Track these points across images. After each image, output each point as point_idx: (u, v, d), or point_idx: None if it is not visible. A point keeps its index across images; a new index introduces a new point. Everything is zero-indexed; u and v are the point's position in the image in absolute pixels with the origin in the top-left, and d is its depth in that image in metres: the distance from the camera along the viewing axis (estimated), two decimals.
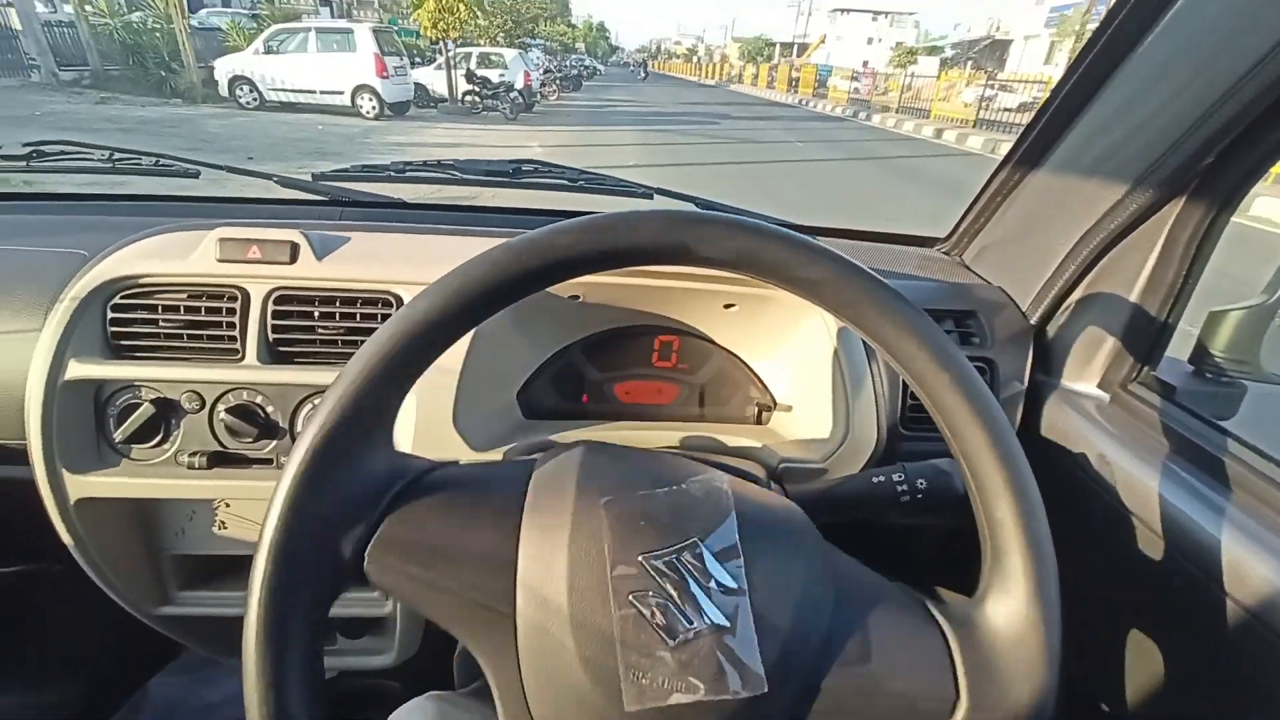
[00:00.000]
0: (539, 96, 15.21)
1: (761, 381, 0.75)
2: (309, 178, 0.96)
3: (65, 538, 0.68)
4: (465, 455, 0.63)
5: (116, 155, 0.93)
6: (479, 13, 16.84)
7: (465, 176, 0.96)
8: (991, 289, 0.80)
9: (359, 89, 11.28)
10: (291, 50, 11.49)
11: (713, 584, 0.34)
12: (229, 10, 22.06)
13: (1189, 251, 0.63)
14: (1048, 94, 0.72)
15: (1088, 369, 0.70)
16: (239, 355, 0.65)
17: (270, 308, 0.65)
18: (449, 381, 0.63)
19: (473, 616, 0.35)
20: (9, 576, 0.93)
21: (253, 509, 0.73)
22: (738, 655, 0.33)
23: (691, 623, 0.33)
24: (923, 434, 0.70)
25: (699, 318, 0.73)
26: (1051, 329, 0.75)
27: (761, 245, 0.35)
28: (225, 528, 0.74)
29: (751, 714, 0.33)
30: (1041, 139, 0.74)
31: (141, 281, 0.64)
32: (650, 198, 0.98)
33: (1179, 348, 0.68)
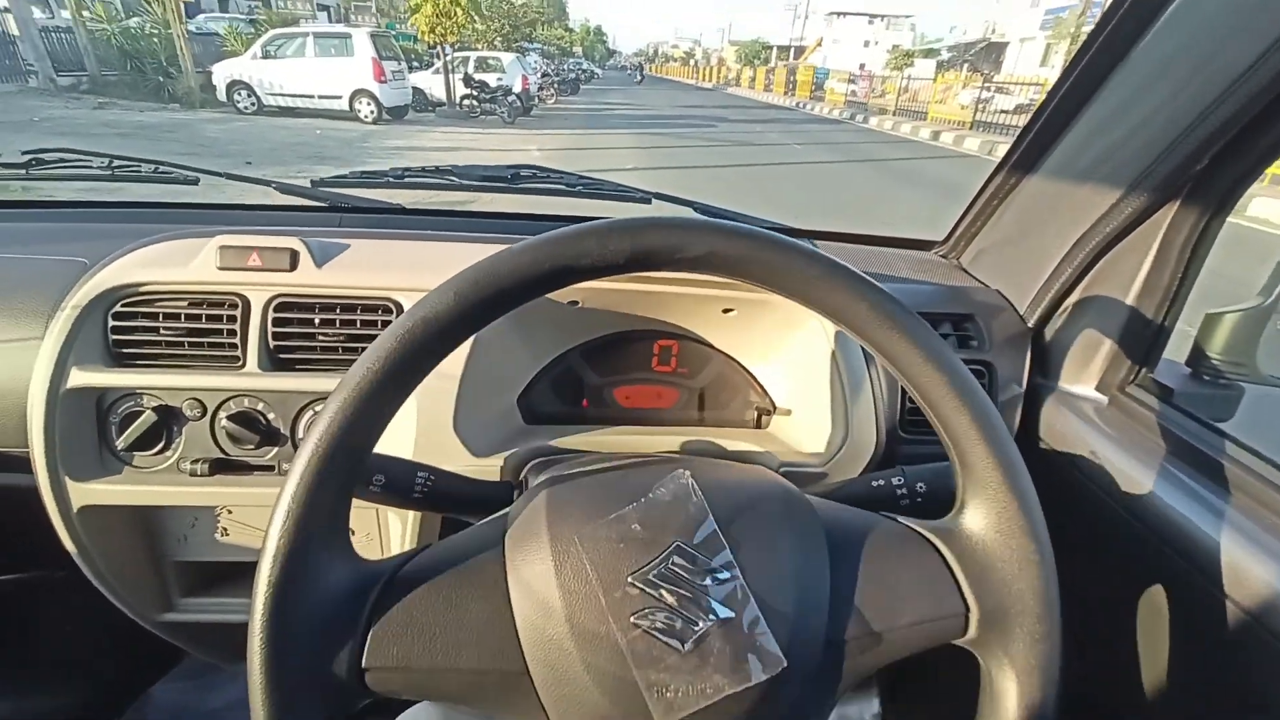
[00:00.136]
0: (536, 100, 15.24)
1: (760, 385, 0.75)
2: (308, 184, 0.97)
3: (69, 545, 0.68)
4: (466, 461, 0.63)
5: (116, 163, 0.93)
6: (476, 17, 16.88)
7: (463, 182, 0.97)
8: (989, 292, 0.81)
9: (357, 93, 11.30)
10: (289, 55, 11.52)
11: (707, 580, 0.35)
12: (226, 15, 22.08)
13: (1184, 254, 0.63)
14: (1043, 96, 0.73)
15: (1085, 372, 0.70)
16: (240, 362, 0.65)
17: (271, 315, 0.65)
18: (449, 387, 0.63)
19: (488, 686, 0.35)
20: (11, 584, 0.93)
21: (254, 516, 0.73)
22: (750, 640, 0.34)
23: (697, 624, 0.33)
24: (922, 437, 0.70)
25: (698, 322, 0.73)
26: (1049, 332, 0.75)
27: (740, 247, 0.35)
28: (227, 535, 0.74)
29: (780, 690, 0.34)
30: (1037, 143, 0.75)
31: (142, 289, 0.64)
32: (648, 202, 0.98)
33: (1177, 350, 0.68)
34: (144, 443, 0.65)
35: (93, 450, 0.66)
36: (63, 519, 0.67)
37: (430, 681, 0.35)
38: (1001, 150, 0.81)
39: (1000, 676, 0.37)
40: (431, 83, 14.12)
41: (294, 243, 0.64)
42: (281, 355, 0.66)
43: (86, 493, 0.65)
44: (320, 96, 11.41)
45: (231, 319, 0.65)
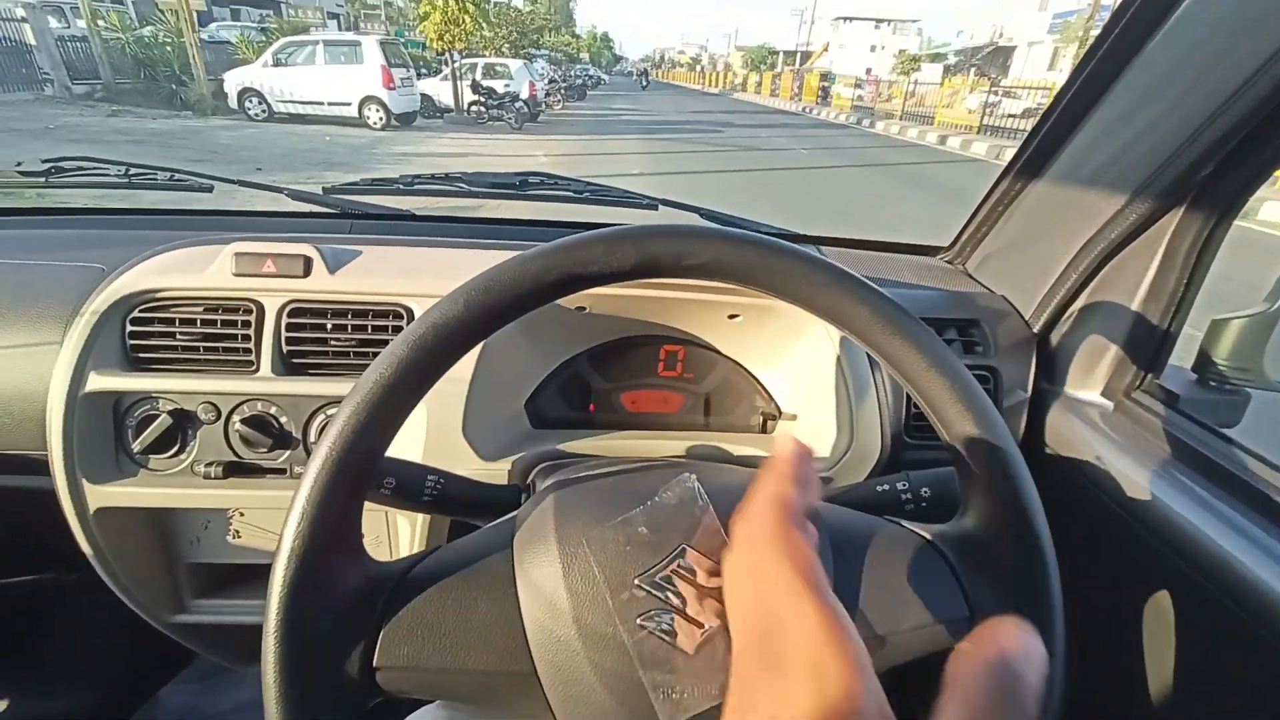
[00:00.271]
0: (544, 106, 15.33)
1: (766, 391, 0.75)
2: (319, 191, 0.98)
3: (85, 547, 0.70)
4: (474, 465, 0.64)
5: (133, 170, 0.95)
6: (484, 24, 17.01)
7: (472, 189, 0.98)
8: (994, 297, 0.81)
9: (366, 100, 11.41)
10: (300, 63, 11.65)
11: (712, 582, 0.35)
12: (238, 24, 22.36)
13: (1189, 260, 0.63)
14: (1051, 100, 0.73)
15: (1091, 377, 0.70)
16: (254, 367, 0.66)
17: (284, 320, 0.66)
18: (458, 391, 0.64)
19: (496, 686, 0.36)
20: (26, 585, 0.95)
21: (266, 518, 0.74)
22: None
23: (702, 626, 0.34)
24: (927, 442, 0.70)
25: (703, 328, 0.73)
26: (1055, 337, 0.75)
27: (745, 255, 0.36)
28: (239, 537, 0.75)
29: None
30: (1043, 148, 0.75)
31: (159, 295, 0.66)
32: (655, 209, 0.99)
33: (1182, 356, 0.68)
34: (159, 446, 0.66)
35: (109, 453, 0.68)
36: (79, 521, 0.68)
37: (440, 681, 0.35)
38: (1009, 154, 0.82)
39: None
40: (440, 89, 14.25)
41: (307, 249, 0.66)
42: (294, 360, 0.67)
43: (103, 495, 0.67)
44: (330, 103, 11.53)
45: (246, 324, 0.66)
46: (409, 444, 0.64)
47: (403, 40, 15.94)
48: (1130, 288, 0.67)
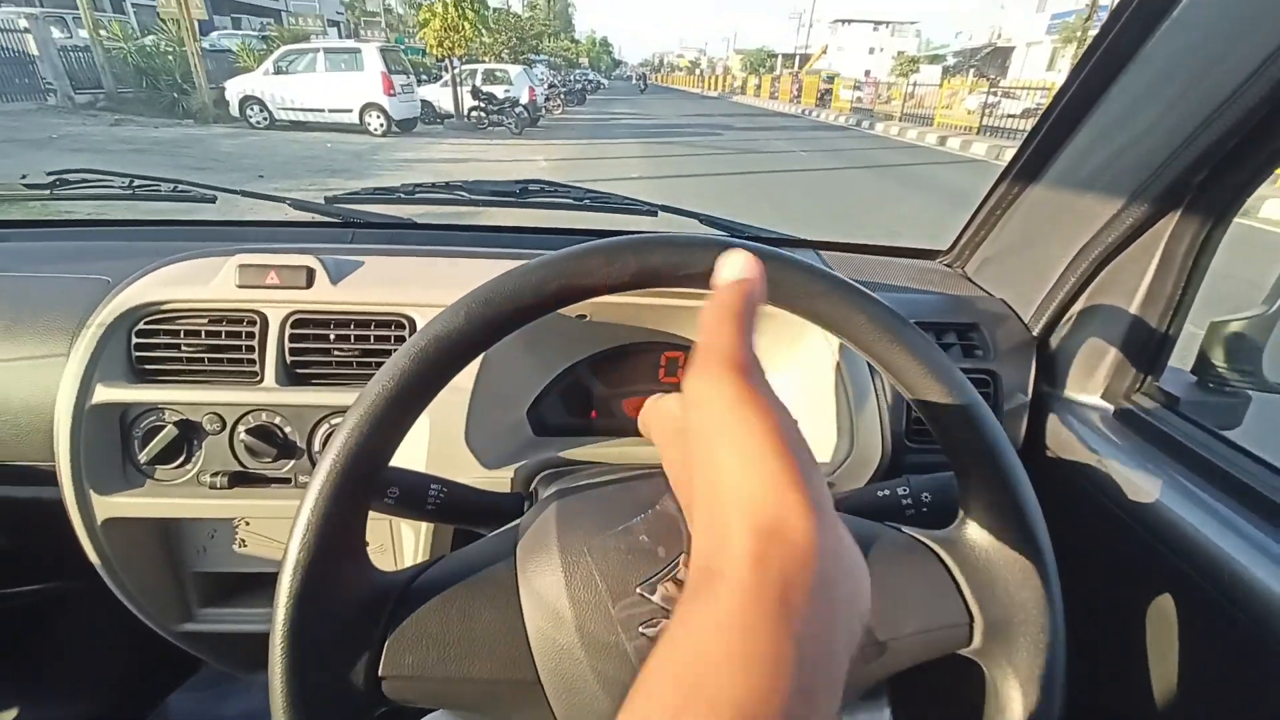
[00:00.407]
0: (544, 111, 15.39)
1: None
2: (321, 200, 0.99)
3: (92, 557, 0.70)
4: (476, 473, 0.65)
5: (136, 182, 0.96)
6: (484, 30, 17.07)
7: (473, 197, 0.99)
8: (993, 301, 0.81)
9: (367, 107, 11.46)
10: (301, 70, 11.72)
11: None
12: (239, 32, 22.52)
13: (1187, 263, 0.63)
14: (1049, 102, 0.73)
15: (1091, 381, 0.71)
16: (258, 378, 0.67)
17: (288, 331, 0.66)
18: (461, 400, 0.64)
19: (500, 695, 0.36)
20: (33, 594, 0.95)
21: (271, 527, 0.75)
22: None
23: None
24: (928, 446, 0.70)
25: None
26: (1054, 341, 0.76)
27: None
28: (245, 546, 0.76)
29: None
30: (1040, 151, 0.75)
31: (164, 307, 0.66)
32: (654, 214, 0.99)
33: (1184, 357, 0.69)
34: (165, 456, 0.67)
35: (116, 464, 0.68)
36: (87, 531, 0.68)
37: (445, 690, 0.36)
38: (1008, 154, 0.82)
39: (1005, 686, 0.37)
40: (440, 95, 14.31)
41: (310, 261, 0.66)
42: (298, 370, 0.68)
43: (110, 505, 0.67)
44: (331, 110, 11.58)
45: (250, 335, 0.66)
46: (412, 453, 0.65)
47: (403, 47, 16.00)
48: (1129, 291, 0.67)
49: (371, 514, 0.38)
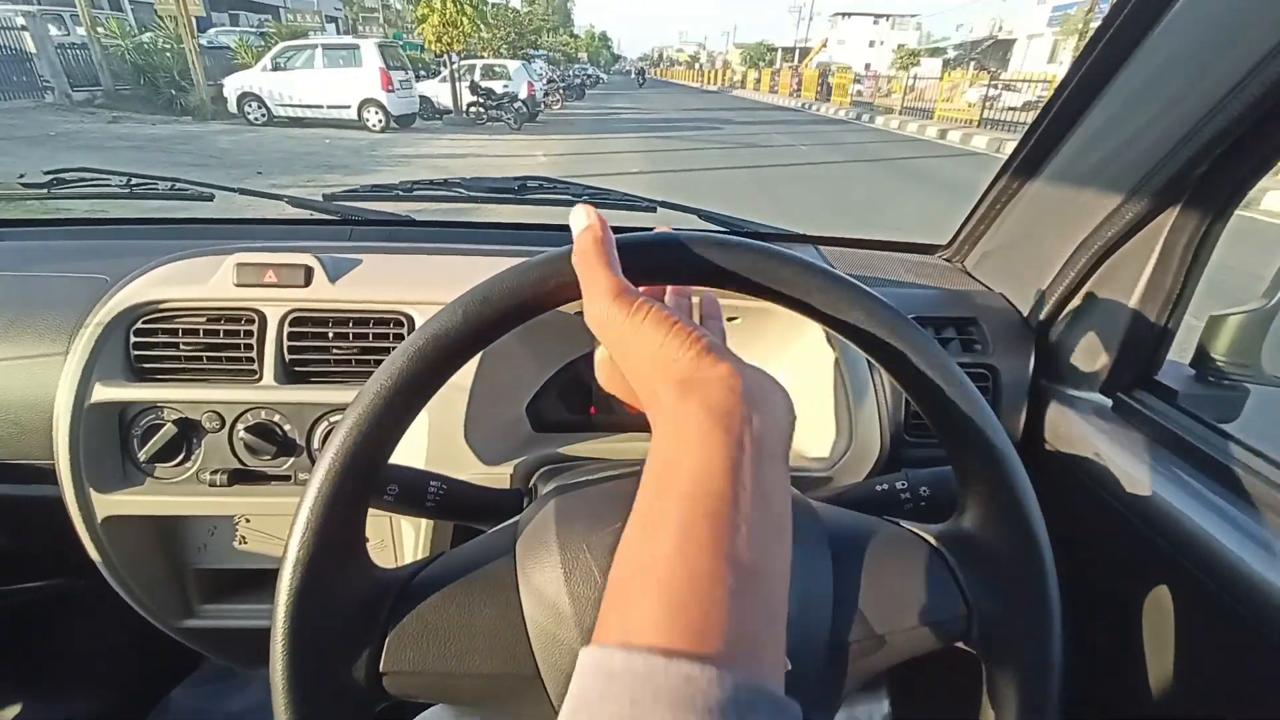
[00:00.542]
0: (542, 106, 15.34)
1: None
2: (319, 198, 0.99)
3: (93, 554, 0.70)
4: (475, 469, 0.65)
5: (134, 180, 0.96)
6: (482, 25, 17.01)
7: (471, 194, 0.98)
8: (993, 295, 0.81)
9: (365, 103, 11.44)
10: (299, 66, 11.69)
11: None
12: (237, 29, 22.43)
13: (1186, 257, 0.63)
14: (1050, 95, 0.73)
15: (1090, 374, 0.70)
16: (256, 376, 0.67)
17: (286, 329, 0.66)
18: (459, 398, 0.64)
19: (501, 689, 0.36)
20: (35, 591, 0.96)
21: (271, 524, 0.75)
22: None
23: None
24: (928, 441, 0.70)
25: None
26: (1053, 334, 0.75)
27: (739, 261, 0.36)
28: (245, 542, 0.76)
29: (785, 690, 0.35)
30: (1041, 145, 0.75)
31: (162, 306, 0.66)
32: (653, 210, 0.99)
33: (1182, 350, 0.69)
34: (165, 454, 0.67)
35: (115, 462, 0.68)
36: (87, 529, 0.68)
37: (445, 685, 0.36)
38: (1009, 147, 0.82)
39: (1002, 677, 0.37)
40: (438, 91, 14.27)
41: (308, 259, 0.66)
42: (297, 368, 0.68)
43: (110, 503, 0.67)
44: (329, 106, 11.56)
45: (249, 334, 0.66)
46: (411, 449, 0.65)
47: (401, 43, 15.92)
48: (1128, 285, 0.67)
49: (371, 511, 0.38)
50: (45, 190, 0.94)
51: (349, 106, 11.46)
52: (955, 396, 0.36)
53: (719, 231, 0.42)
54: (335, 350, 0.67)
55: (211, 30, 20.70)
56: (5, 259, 0.78)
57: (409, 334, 0.66)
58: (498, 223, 1.01)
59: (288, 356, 0.67)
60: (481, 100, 12.89)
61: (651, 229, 0.38)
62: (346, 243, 0.85)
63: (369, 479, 0.35)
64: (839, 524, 0.41)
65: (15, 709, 1.02)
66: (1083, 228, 0.69)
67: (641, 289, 0.33)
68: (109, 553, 0.70)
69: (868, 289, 0.37)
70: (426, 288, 0.67)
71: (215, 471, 0.68)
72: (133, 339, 0.66)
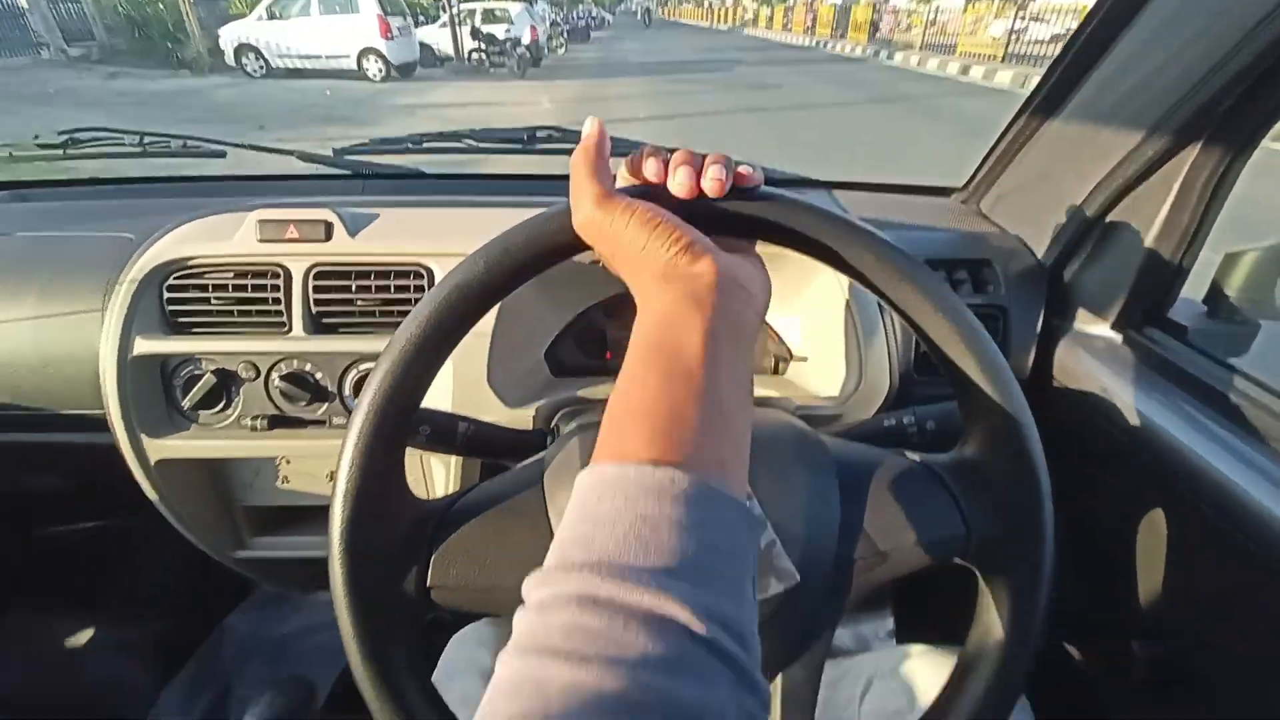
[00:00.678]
0: (546, 51, 14.80)
1: (778, 334, 0.77)
2: (330, 152, 0.99)
3: (150, 494, 0.76)
4: (499, 412, 0.68)
5: (147, 139, 0.96)
6: None
7: (481, 145, 0.98)
8: (1007, 237, 0.81)
9: (364, 52, 11.10)
10: (294, 14, 11.31)
11: None
12: None
13: (1205, 194, 0.62)
14: (1075, 30, 0.71)
15: (1102, 312, 0.71)
16: (286, 327, 0.70)
17: (311, 283, 0.69)
18: (481, 345, 0.67)
19: None
20: (98, 529, 1.03)
21: (311, 465, 0.80)
22: (767, 559, 0.38)
23: None
24: (936, 379, 0.72)
25: None
26: (1067, 274, 0.76)
27: (752, 208, 0.37)
28: (288, 482, 0.81)
29: (794, 602, 0.38)
30: (1061, 83, 0.73)
31: (191, 263, 0.69)
32: None
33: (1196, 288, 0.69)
34: (207, 402, 0.71)
35: (162, 410, 0.72)
36: (144, 471, 0.73)
37: (486, 598, 0.40)
38: (1035, 82, 0.79)
39: (996, 592, 0.40)
40: (439, 37, 13.76)
41: (327, 214, 0.68)
42: (324, 320, 0.70)
43: (161, 448, 0.72)
44: (328, 56, 11.24)
45: (275, 288, 0.69)
46: (439, 396, 0.68)
47: None
48: (1144, 223, 0.67)
49: (406, 451, 0.41)
50: (61, 151, 0.95)
51: (348, 56, 11.14)
52: (960, 334, 0.37)
53: None
54: (360, 302, 0.69)
55: None
56: (30, 220, 0.80)
57: (429, 286, 0.68)
58: (508, 174, 1.01)
59: (314, 309, 0.69)
60: (483, 46, 12.43)
61: None
62: (359, 196, 0.86)
63: (404, 419, 0.38)
64: (847, 456, 0.44)
65: (89, 632, 1.11)
66: (1101, 167, 0.68)
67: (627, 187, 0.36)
68: (164, 492, 0.76)
69: (877, 233, 0.38)
70: (444, 240, 0.68)
71: (255, 417, 0.71)
72: (166, 295, 0.69)
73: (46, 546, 1.03)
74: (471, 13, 14.21)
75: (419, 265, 0.69)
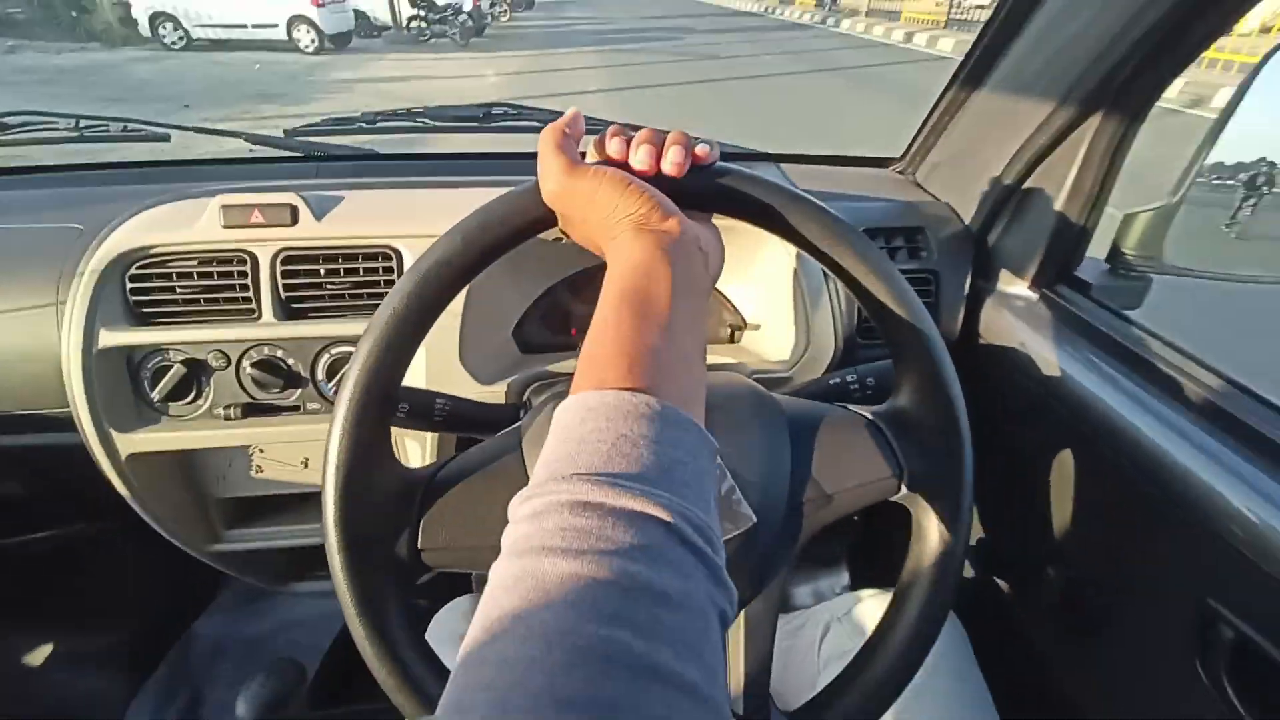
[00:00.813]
0: (489, 18, 14.27)
1: (733, 304, 0.82)
2: (280, 134, 0.97)
3: (122, 491, 0.75)
4: (472, 389, 0.70)
5: (84, 123, 0.92)
6: None
7: (435, 124, 0.98)
8: (939, 205, 0.87)
9: (294, 20, 10.47)
10: None
11: None
12: None
13: (1105, 159, 0.70)
14: (995, 5, 0.76)
15: (1021, 273, 0.78)
16: (256, 314, 0.70)
17: (279, 268, 0.69)
18: (453, 324, 0.69)
19: None
20: (55, 539, 1.01)
21: (284, 452, 0.81)
22: (727, 505, 0.42)
23: None
24: (876, 342, 0.78)
25: None
26: (991, 239, 0.83)
27: (704, 182, 0.41)
28: (261, 471, 0.82)
29: (753, 542, 0.43)
30: (984, 57, 0.79)
31: (153, 252, 0.68)
32: None
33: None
34: (177, 393, 0.71)
35: (130, 404, 0.72)
36: (114, 468, 0.73)
37: (474, 556, 0.43)
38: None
39: (925, 522, 0.46)
40: (374, 5, 13.09)
41: (291, 198, 0.68)
42: (294, 305, 0.71)
43: (131, 442, 0.71)
44: (254, 25, 10.56)
45: (242, 274, 0.69)
46: (413, 375, 0.70)
47: None
48: (1055, 188, 0.74)
49: None
50: None
51: (276, 25, 10.49)
52: (893, 296, 0.43)
53: None
54: (329, 286, 0.70)
55: None
56: None
57: (398, 268, 0.70)
58: (465, 153, 1.01)
59: (283, 294, 0.70)
60: (422, 14, 11.91)
61: None
62: (314, 180, 0.85)
63: (390, 392, 0.40)
64: (797, 411, 0.49)
65: (47, 649, 1.09)
66: (1019, 136, 0.75)
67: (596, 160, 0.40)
68: (137, 488, 0.75)
69: (821, 205, 0.42)
70: (411, 222, 0.70)
71: (227, 406, 0.72)
72: (129, 285, 0.68)
73: (5, 557, 0.99)
74: None
75: (387, 248, 0.70)
